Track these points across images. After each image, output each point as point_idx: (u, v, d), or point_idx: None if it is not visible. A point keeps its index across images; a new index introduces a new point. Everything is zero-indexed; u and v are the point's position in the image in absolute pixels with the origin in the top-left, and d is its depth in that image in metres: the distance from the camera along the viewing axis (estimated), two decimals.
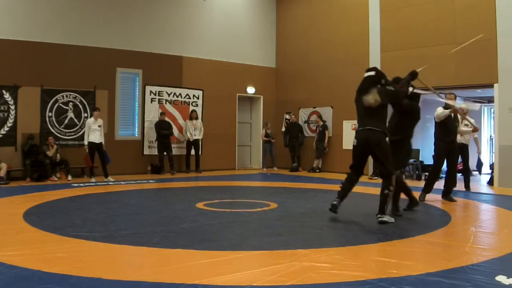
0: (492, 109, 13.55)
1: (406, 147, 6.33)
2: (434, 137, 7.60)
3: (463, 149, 9.19)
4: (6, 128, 10.16)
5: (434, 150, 7.64)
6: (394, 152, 6.01)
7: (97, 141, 10.08)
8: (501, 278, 3.32)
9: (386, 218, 5.52)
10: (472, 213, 6.74)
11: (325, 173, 12.59)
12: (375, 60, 11.95)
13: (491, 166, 11.06)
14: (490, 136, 14.14)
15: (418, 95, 6.76)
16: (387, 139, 5.64)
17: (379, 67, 11.76)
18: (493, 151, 11.34)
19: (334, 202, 5.77)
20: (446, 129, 7.43)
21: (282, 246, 4.30)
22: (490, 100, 13.15)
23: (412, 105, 6.49)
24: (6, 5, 10.19)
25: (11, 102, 10.22)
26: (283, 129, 14.15)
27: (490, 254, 4.07)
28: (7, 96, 10.15)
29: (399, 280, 3.27)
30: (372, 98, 5.48)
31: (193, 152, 12.51)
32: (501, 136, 9.76)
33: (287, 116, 14.21)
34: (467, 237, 4.80)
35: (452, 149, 7.48)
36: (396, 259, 3.89)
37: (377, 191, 8.68)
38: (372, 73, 5.79)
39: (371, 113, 5.58)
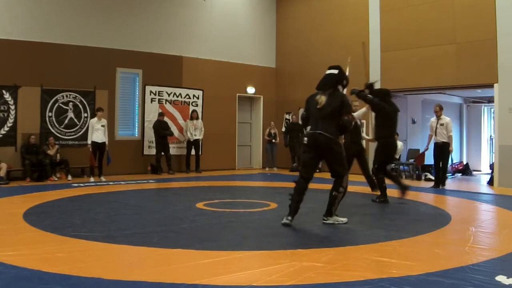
0: (492, 109, 13.55)
1: (380, 144, 7.24)
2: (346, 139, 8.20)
3: (444, 148, 9.31)
4: (6, 128, 10.15)
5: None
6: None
7: (100, 141, 10.11)
8: (501, 278, 3.31)
9: (331, 220, 5.36)
10: (472, 213, 6.74)
11: (325, 173, 12.56)
12: (375, 60, 11.96)
13: (491, 166, 11.06)
14: (490, 136, 14.15)
15: (387, 93, 7.48)
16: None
17: (379, 67, 11.88)
18: (493, 151, 11.34)
19: (287, 221, 5.22)
20: (357, 132, 8.11)
21: (282, 246, 4.30)
22: (490, 100, 13.16)
23: (378, 103, 7.16)
24: (6, 5, 10.19)
25: (11, 102, 10.21)
26: (283, 129, 14.15)
27: (490, 254, 4.07)
28: (7, 96, 10.15)
29: (399, 280, 3.27)
30: (323, 99, 5.27)
31: (193, 152, 12.51)
32: (501, 136, 9.76)
33: (287, 116, 14.20)
34: (467, 237, 4.79)
35: (361, 149, 8.36)
36: (396, 259, 3.89)
37: (377, 191, 8.73)
38: (335, 71, 5.45)
39: (323, 117, 5.24)
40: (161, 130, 11.88)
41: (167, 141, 12.05)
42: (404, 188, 7.19)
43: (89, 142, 10.12)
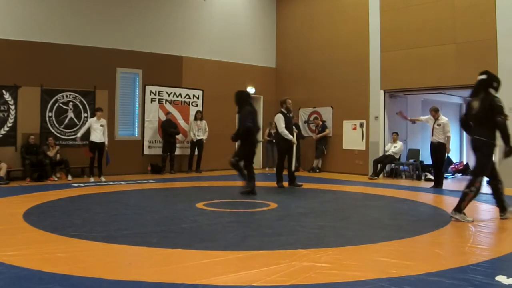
0: None
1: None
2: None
3: (439, 147, 9.25)
4: (6, 128, 10.16)
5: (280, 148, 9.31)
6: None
7: (98, 141, 10.11)
8: (501, 278, 3.31)
9: (458, 216, 5.61)
10: (472, 213, 6.72)
11: (325, 173, 12.59)
12: (375, 60, 11.96)
13: None
14: None
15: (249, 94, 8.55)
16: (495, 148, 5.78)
17: (379, 67, 11.89)
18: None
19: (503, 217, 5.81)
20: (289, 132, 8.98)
21: (282, 246, 4.30)
22: None
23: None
24: (6, 5, 10.19)
25: (11, 102, 10.22)
26: None
27: (490, 254, 4.07)
28: (7, 96, 10.15)
29: (399, 280, 3.27)
30: (476, 104, 5.67)
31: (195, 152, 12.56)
32: None
33: None
34: (467, 237, 4.80)
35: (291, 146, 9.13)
36: (396, 259, 3.89)
37: (376, 191, 8.76)
38: (484, 76, 5.79)
39: (477, 122, 5.73)
40: (170, 128, 11.95)
41: (174, 141, 12.13)
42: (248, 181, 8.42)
43: (78, 135, 10.29)
